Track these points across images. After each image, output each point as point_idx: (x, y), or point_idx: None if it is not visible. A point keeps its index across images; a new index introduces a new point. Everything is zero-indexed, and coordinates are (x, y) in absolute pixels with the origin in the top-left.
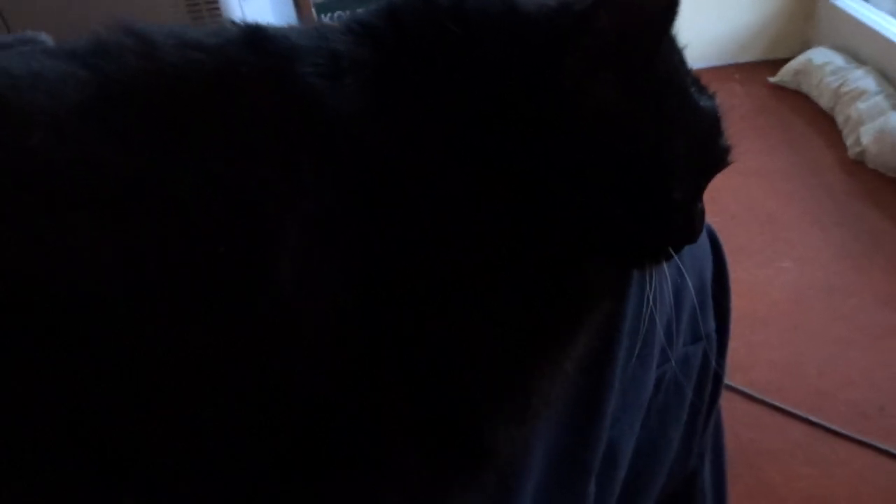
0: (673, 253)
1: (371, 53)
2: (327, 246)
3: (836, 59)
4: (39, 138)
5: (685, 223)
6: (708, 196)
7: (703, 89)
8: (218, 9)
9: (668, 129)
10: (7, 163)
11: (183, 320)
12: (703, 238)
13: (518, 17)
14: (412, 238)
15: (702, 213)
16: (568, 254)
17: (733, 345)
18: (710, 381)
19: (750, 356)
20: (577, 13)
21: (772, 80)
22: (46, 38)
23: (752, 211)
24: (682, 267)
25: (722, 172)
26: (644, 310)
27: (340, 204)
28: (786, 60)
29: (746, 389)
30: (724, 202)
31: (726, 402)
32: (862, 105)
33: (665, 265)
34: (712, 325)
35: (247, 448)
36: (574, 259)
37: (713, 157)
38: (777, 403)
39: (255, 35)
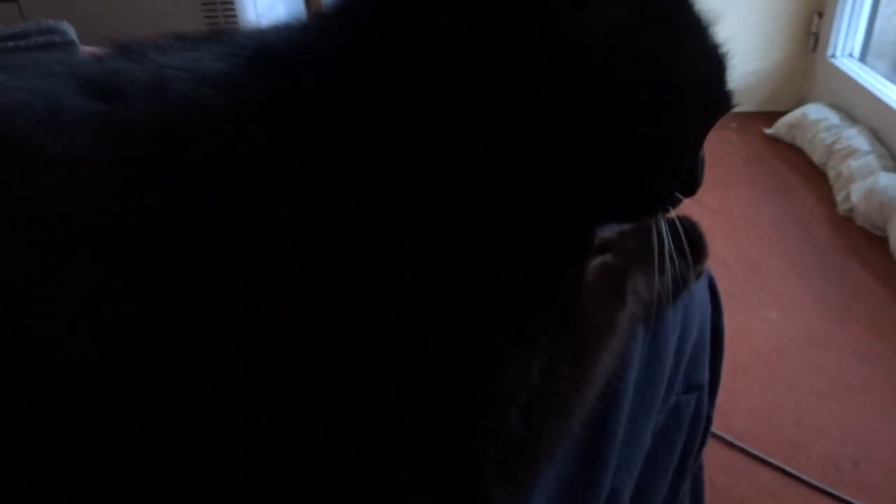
0: (680, 197)
1: (375, 49)
2: (339, 262)
3: (831, 117)
4: (54, 188)
5: (690, 167)
6: None
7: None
8: (233, 7)
9: (680, 55)
10: (12, 202)
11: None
12: (704, 289)
13: None
14: (419, 241)
15: (703, 161)
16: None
17: None
18: (700, 430)
19: (729, 402)
20: None
21: (767, 131)
22: (68, 28)
23: (741, 258)
24: (685, 317)
25: (711, 220)
26: (650, 359)
27: (350, 216)
28: (782, 113)
29: (724, 435)
30: (713, 247)
31: None
32: (853, 163)
33: (671, 315)
34: (706, 375)
35: (246, 460)
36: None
37: (719, 96)
38: (753, 451)
39: (262, 57)
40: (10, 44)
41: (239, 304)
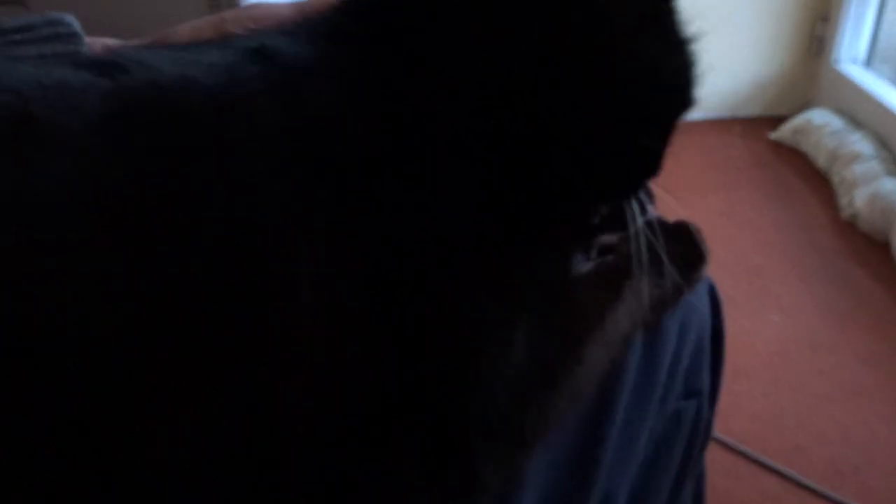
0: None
1: (372, 50)
2: (339, 260)
3: (835, 122)
4: (62, 165)
5: (657, 156)
6: None
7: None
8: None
9: (665, 50)
10: (28, 188)
11: (200, 348)
12: (705, 296)
13: None
14: (416, 241)
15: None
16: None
17: None
18: (701, 435)
19: (731, 406)
20: None
21: (772, 136)
22: (72, 21)
23: (743, 262)
24: (684, 323)
25: (715, 223)
26: (646, 364)
27: (349, 214)
28: (786, 118)
29: (725, 439)
30: (715, 252)
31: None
32: (857, 168)
33: (669, 321)
34: (706, 381)
35: (245, 460)
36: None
37: (686, 93)
38: (754, 455)
39: (264, 50)
40: (17, 36)
41: (239, 293)
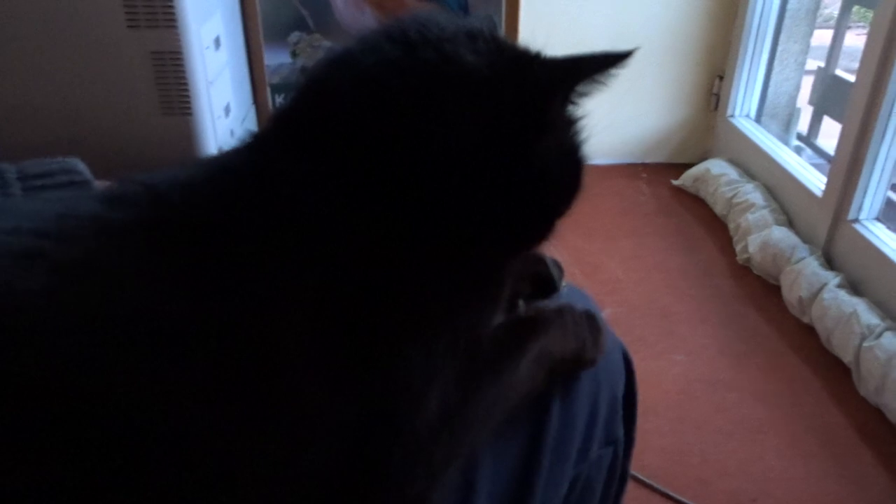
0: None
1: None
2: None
3: (731, 172)
4: (121, 296)
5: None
6: (612, 287)
7: None
8: (188, 98)
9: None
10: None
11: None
12: (619, 358)
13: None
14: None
15: None
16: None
17: None
18: (618, 479)
19: (641, 442)
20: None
21: (675, 182)
22: (84, 168)
23: (651, 304)
24: (598, 381)
25: (627, 266)
26: (567, 418)
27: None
28: (688, 165)
29: (637, 474)
30: (625, 294)
31: None
32: (751, 216)
33: (583, 381)
34: (621, 431)
35: None
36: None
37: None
38: (663, 489)
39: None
40: (38, 182)
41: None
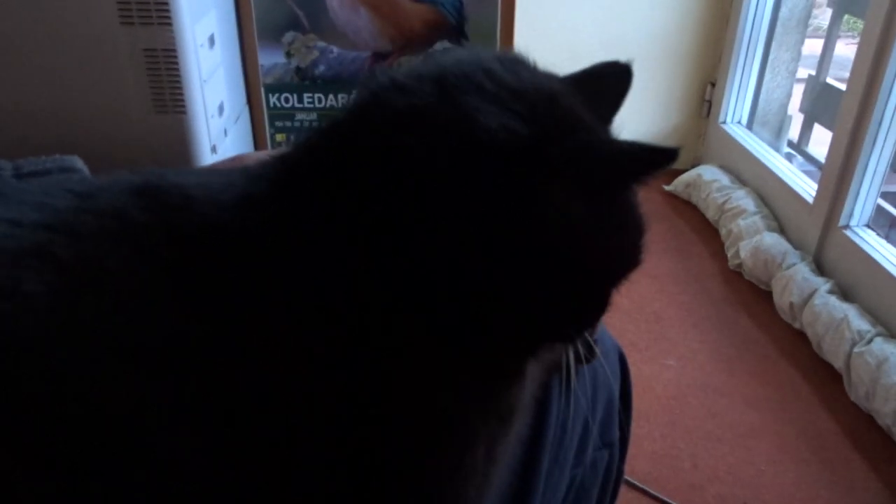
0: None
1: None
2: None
3: (723, 178)
4: (124, 307)
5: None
6: None
7: None
8: (182, 96)
9: (622, 235)
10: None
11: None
12: (615, 360)
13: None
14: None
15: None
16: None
17: None
18: (613, 482)
19: (633, 447)
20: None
21: (667, 188)
22: (83, 166)
23: (643, 310)
24: (596, 383)
25: None
26: (566, 421)
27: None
28: (680, 172)
29: (629, 478)
30: (617, 298)
31: None
32: (742, 222)
33: (582, 383)
34: (617, 433)
35: None
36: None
37: (637, 256)
38: (655, 493)
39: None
40: (35, 180)
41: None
